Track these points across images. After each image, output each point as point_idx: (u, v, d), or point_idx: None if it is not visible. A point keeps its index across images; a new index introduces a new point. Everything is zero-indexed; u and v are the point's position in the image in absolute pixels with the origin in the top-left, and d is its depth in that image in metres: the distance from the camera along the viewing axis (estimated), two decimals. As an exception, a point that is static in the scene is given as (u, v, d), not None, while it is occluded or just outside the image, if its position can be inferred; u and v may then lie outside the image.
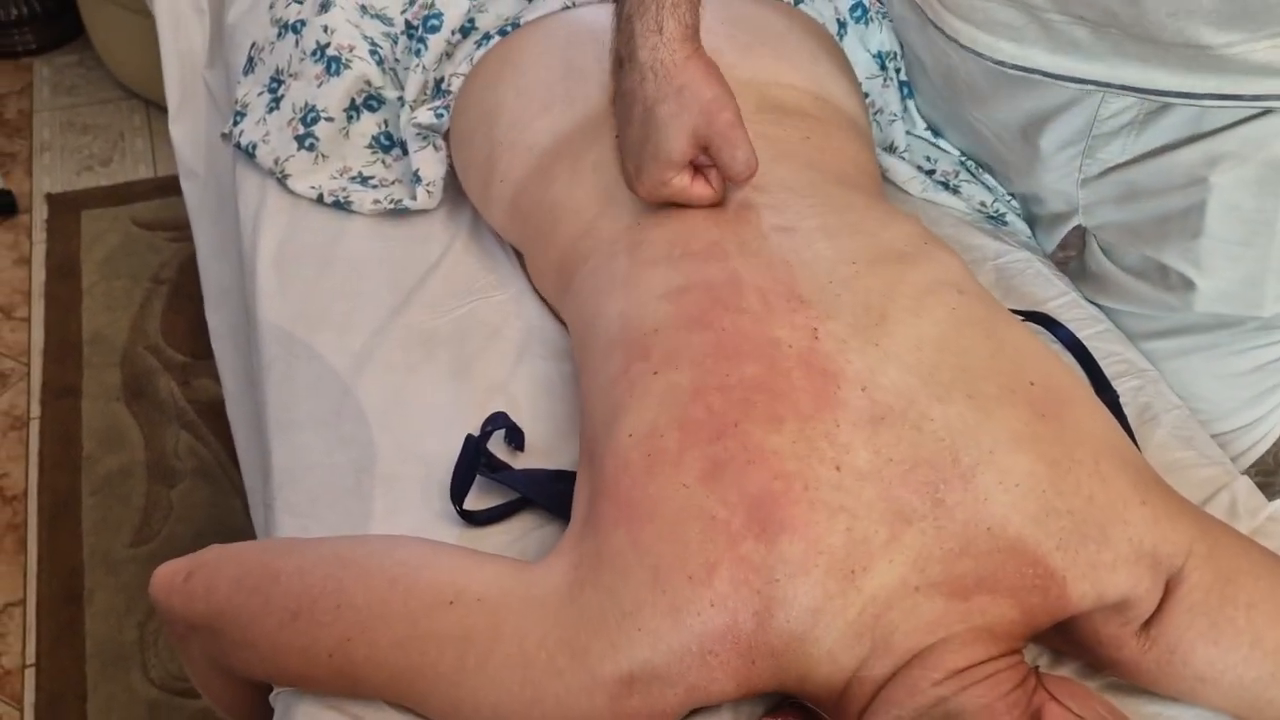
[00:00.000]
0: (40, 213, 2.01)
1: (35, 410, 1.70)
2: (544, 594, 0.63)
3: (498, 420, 0.80)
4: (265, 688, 0.72)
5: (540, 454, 0.80)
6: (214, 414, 1.68)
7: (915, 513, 0.61)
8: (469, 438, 0.77)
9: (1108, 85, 0.81)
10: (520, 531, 0.76)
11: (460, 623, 0.63)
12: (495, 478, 0.77)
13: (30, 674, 1.40)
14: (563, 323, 0.88)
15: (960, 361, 0.67)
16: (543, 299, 0.91)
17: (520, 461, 0.80)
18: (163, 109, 1.35)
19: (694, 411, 0.64)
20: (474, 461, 0.76)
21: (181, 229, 1.96)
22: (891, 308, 0.69)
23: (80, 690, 1.38)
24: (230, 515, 1.57)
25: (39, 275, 1.90)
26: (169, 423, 1.68)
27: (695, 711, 0.64)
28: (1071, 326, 0.90)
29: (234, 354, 1.18)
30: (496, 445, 0.80)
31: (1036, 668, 0.63)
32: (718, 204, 0.77)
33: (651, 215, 0.78)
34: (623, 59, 0.78)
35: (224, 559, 0.71)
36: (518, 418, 0.81)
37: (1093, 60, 0.80)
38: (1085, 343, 0.89)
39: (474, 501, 0.77)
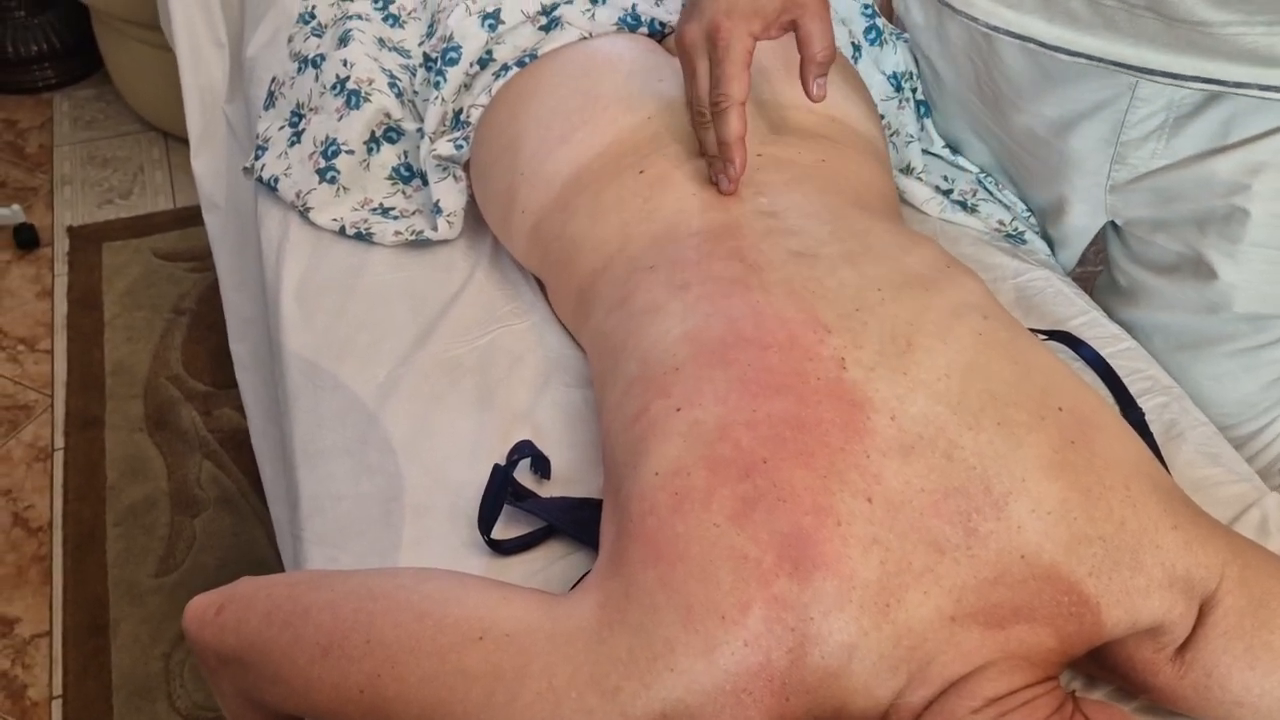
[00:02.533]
0: (62, 245, 2.03)
1: (59, 441, 1.71)
2: (572, 631, 0.63)
3: (524, 449, 0.80)
4: (297, 720, 0.73)
5: (566, 482, 0.80)
6: (236, 443, 1.69)
7: (949, 542, 0.61)
8: (496, 467, 0.77)
9: (1100, 60, 0.81)
10: (547, 560, 0.76)
11: (488, 659, 0.63)
12: (522, 506, 0.77)
13: (57, 705, 1.41)
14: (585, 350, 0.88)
15: (988, 388, 0.66)
16: (564, 327, 0.91)
17: (546, 489, 0.80)
18: (182, 141, 1.37)
19: (721, 449, 0.64)
20: (501, 491, 0.77)
21: (201, 259, 1.98)
22: (918, 335, 0.69)
23: (107, 721, 1.39)
24: (253, 544, 1.58)
25: (61, 307, 1.92)
26: (192, 452, 1.69)
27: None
28: (1094, 345, 0.90)
29: (258, 385, 1.19)
30: (522, 473, 0.81)
31: (1073, 692, 0.62)
32: (730, 191, 0.80)
33: (670, 252, 0.78)
34: None
35: (256, 593, 0.71)
36: (543, 446, 0.82)
37: (1086, 33, 0.81)
38: (1109, 361, 0.89)
39: (501, 530, 0.77)
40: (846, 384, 0.66)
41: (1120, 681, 0.67)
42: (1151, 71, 0.80)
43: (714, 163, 0.80)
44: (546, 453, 0.81)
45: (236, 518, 1.61)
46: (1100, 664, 0.66)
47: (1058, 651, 0.61)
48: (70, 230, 2.05)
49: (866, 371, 0.66)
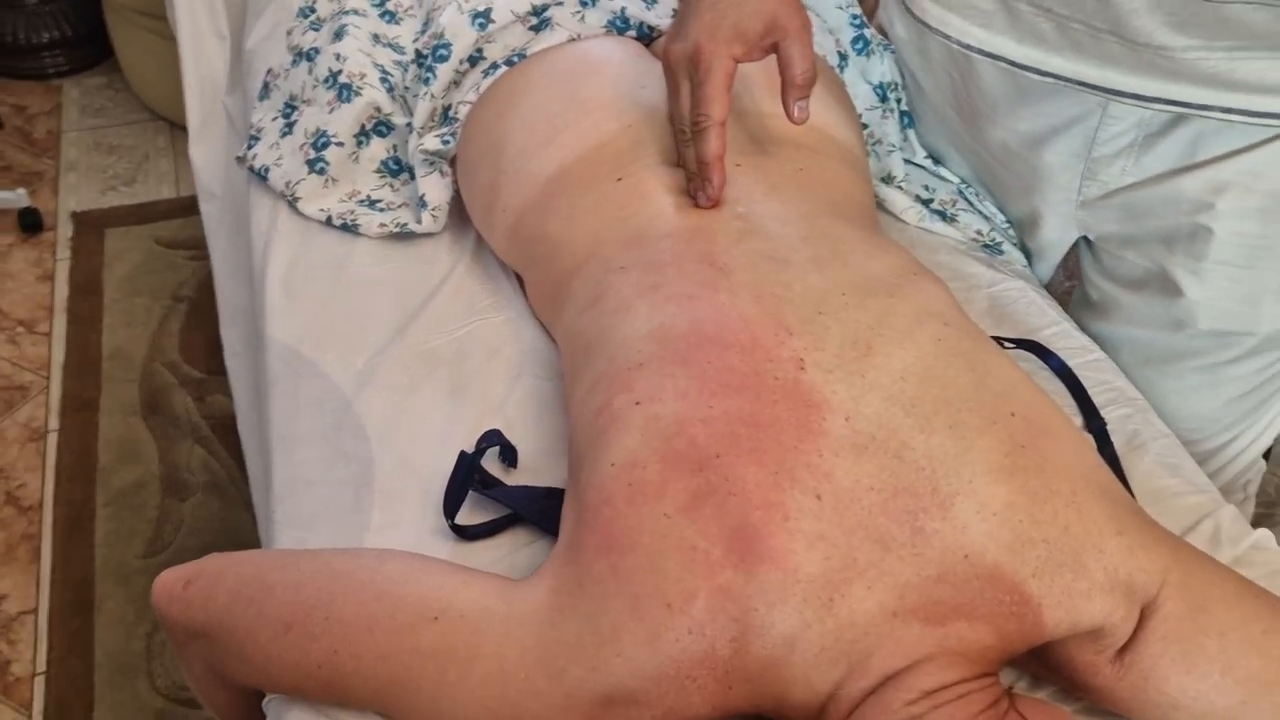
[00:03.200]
0: (65, 230, 2.05)
1: (54, 423, 1.73)
2: (524, 614, 0.65)
3: (492, 438, 0.82)
4: (260, 695, 0.74)
5: (533, 472, 0.82)
6: (227, 430, 1.71)
7: (894, 540, 0.63)
8: (462, 454, 0.79)
9: (1068, 80, 0.83)
10: (511, 547, 0.77)
11: (443, 638, 0.65)
12: (488, 494, 0.78)
13: (40, 681, 1.43)
14: (559, 345, 0.90)
15: (943, 393, 0.68)
16: (541, 322, 0.93)
17: (513, 479, 0.82)
18: (186, 131, 1.39)
19: (677, 444, 0.65)
20: (467, 477, 0.78)
21: (201, 248, 1.99)
22: (878, 339, 0.70)
23: (88, 699, 1.40)
24: (240, 529, 1.59)
25: (62, 291, 1.94)
26: (184, 438, 1.71)
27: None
28: (1063, 355, 0.91)
29: (246, 371, 1.21)
30: (491, 463, 0.82)
31: (1010, 689, 0.64)
32: (711, 204, 0.81)
33: (642, 255, 0.79)
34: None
35: (223, 569, 0.73)
36: (512, 436, 0.83)
37: (1054, 54, 0.83)
38: (1076, 371, 0.90)
39: (467, 517, 0.78)
40: (804, 385, 0.67)
41: (1062, 682, 0.69)
42: (1118, 93, 0.82)
43: (693, 179, 0.81)
44: (516, 443, 0.83)
45: (224, 503, 1.63)
46: (1042, 664, 0.67)
47: (996, 649, 0.63)
48: (74, 215, 2.08)
49: (825, 374, 0.68)
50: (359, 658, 0.66)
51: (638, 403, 0.68)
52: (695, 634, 0.61)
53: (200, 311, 1.89)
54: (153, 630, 1.47)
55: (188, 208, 2.10)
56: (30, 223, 2.04)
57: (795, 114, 0.82)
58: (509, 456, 0.82)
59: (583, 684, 0.62)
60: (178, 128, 2.24)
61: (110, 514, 1.61)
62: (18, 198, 2.03)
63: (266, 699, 0.73)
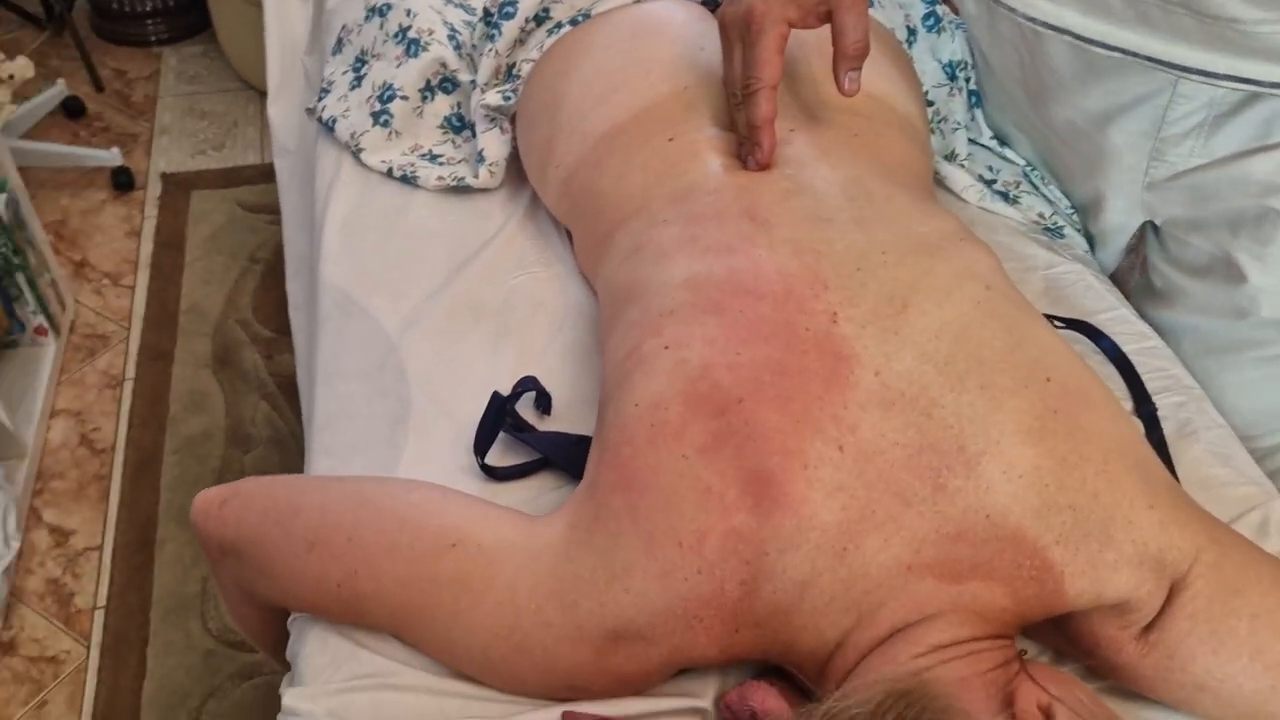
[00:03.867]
0: (154, 190, 2.13)
1: (131, 371, 1.80)
2: (540, 547, 0.65)
3: (528, 383, 0.82)
4: (285, 615, 0.76)
5: (566, 420, 0.82)
6: (292, 388, 1.75)
7: (915, 496, 0.62)
8: (495, 395, 0.80)
9: (1134, 55, 0.81)
10: (537, 491, 0.78)
11: (459, 566, 0.65)
12: (519, 436, 0.79)
13: (100, 615, 1.48)
14: (602, 300, 0.90)
15: (978, 353, 0.67)
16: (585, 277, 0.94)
17: (546, 426, 0.82)
18: (271, 95, 1.43)
19: (700, 386, 0.65)
20: (498, 418, 0.79)
21: (280, 213, 2.06)
22: (915, 297, 0.69)
23: (143, 634, 1.45)
24: (297, 483, 1.63)
25: (147, 247, 2.01)
26: (250, 392, 1.76)
27: (683, 672, 0.66)
28: (1118, 340, 0.88)
29: (306, 322, 1.24)
30: (526, 409, 0.83)
31: (1023, 651, 0.62)
32: (764, 166, 0.80)
33: (686, 209, 0.79)
34: None
35: (257, 490, 0.75)
36: (550, 385, 0.84)
37: (1122, 27, 0.80)
38: (1130, 357, 0.87)
39: (497, 458, 0.79)
40: (836, 338, 0.67)
41: (1085, 658, 0.66)
42: (1186, 69, 0.79)
43: (743, 143, 0.81)
44: (553, 392, 0.84)
45: (284, 457, 1.67)
46: (1065, 637, 0.66)
47: (1012, 611, 0.61)
48: (163, 176, 2.15)
49: (858, 328, 0.67)
50: (377, 580, 0.67)
51: (666, 347, 0.68)
52: (705, 574, 0.60)
53: (274, 273, 1.95)
54: (209, 574, 1.52)
55: (271, 174, 2.15)
56: (123, 181, 2.12)
57: (845, 85, 0.80)
58: (543, 404, 0.83)
59: (592, 617, 0.62)
60: (266, 97, 2.31)
61: (176, 460, 1.66)
62: (112, 156, 2.11)
63: (291, 618, 0.74)
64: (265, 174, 2.16)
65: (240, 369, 1.80)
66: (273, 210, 2.07)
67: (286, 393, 1.76)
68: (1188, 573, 0.62)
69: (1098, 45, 0.83)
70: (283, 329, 1.85)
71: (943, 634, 0.59)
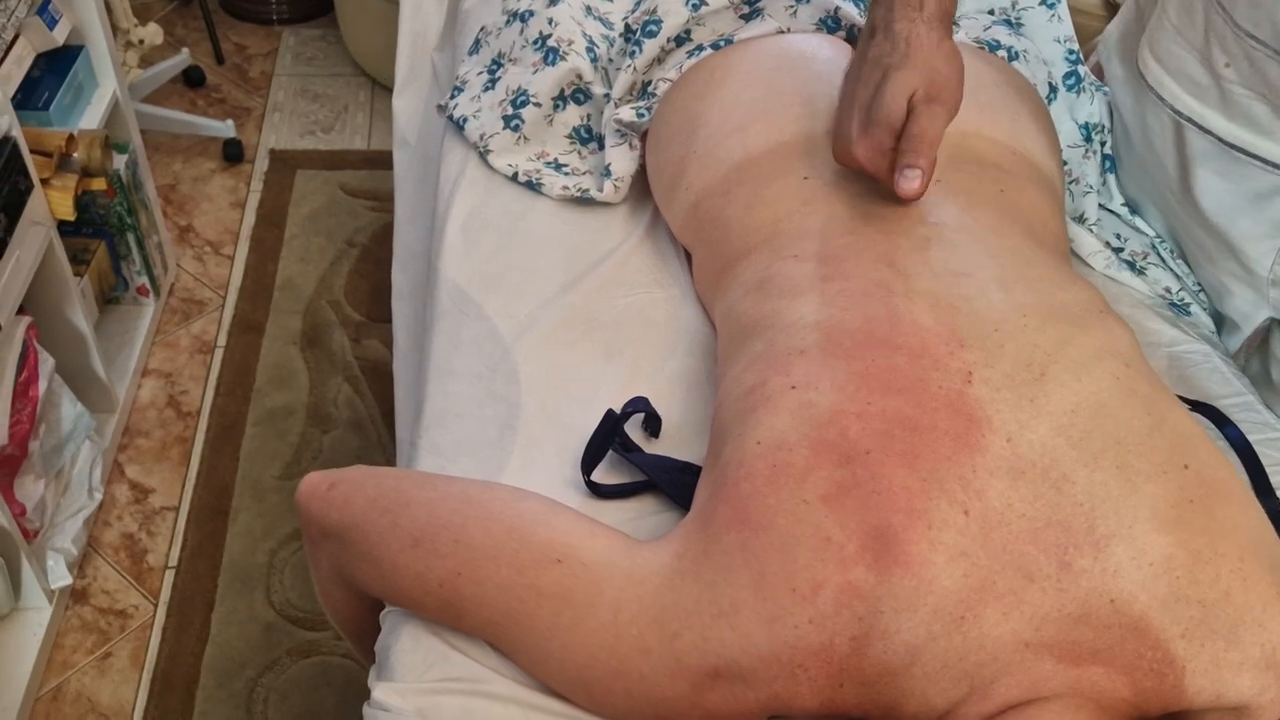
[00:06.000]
0: (261, 164, 2.18)
1: (222, 340, 1.83)
2: (646, 573, 0.65)
3: (639, 403, 0.82)
4: (378, 605, 0.76)
5: (673, 444, 0.82)
6: (376, 374, 1.78)
7: (1040, 571, 0.60)
8: (609, 413, 0.80)
9: (1273, 166, 0.79)
10: (638, 512, 0.77)
11: (562, 582, 0.65)
12: (627, 456, 0.79)
13: (170, 575, 1.51)
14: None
15: (1115, 432, 0.65)
16: (702, 303, 0.93)
17: (653, 448, 0.82)
18: (386, 89, 1.46)
19: (827, 433, 0.64)
20: (609, 436, 0.79)
21: (381, 200, 2.09)
22: (1053, 368, 0.68)
23: (209, 599, 1.48)
24: (373, 468, 1.65)
25: (249, 220, 2.05)
26: (335, 373, 1.79)
27: (774, 718, 0.65)
28: (1243, 429, 0.86)
29: (410, 314, 1.25)
30: (634, 428, 0.83)
31: (1136, 745, 0.60)
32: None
33: (818, 250, 0.78)
34: (876, 29, 0.80)
35: (366, 478, 0.75)
36: (659, 406, 0.83)
37: (1266, 138, 0.80)
38: (1255, 447, 0.85)
39: (601, 476, 0.79)
40: (969, 399, 0.65)
41: (1195, 757, 0.64)
42: None
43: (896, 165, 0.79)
44: (661, 413, 0.83)
45: (362, 441, 1.69)
46: (1177, 733, 0.63)
47: (1129, 703, 0.59)
48: (272, 152, 2.20)
49: (993, 391, 0.66)
50: (479, 584, 0.67)
51: (793, 387, 0.68)
52: (816, 624, 0.59)
53: (370, 259, 1.97)
54: (277, 547, 1.54)
55: (375, 160, 2.19)
56: (233, 153, 2.17)
57: (900, 183, 0.76)
58: (653, 426, 0.83)
59: (693, 651, 0.61)
60: (378, 85, 2.35)
61: (257, 432, 1.69)
62: (226, 128, 2.16)
63: (385, 610, 0.75)
64: (370, 160, 2.20)
65: (328, 349, 1.83)
66: (374, 196, 2.10)
67: (370, 378, 1.78)
68: (1316, 682, 0.59)
69: (1239, 151, 0.84)
70: (373, 314, 1.87)
71: (1058, 718, 0.58)
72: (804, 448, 0.64)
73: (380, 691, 0.68)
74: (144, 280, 1.78)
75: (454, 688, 0.68)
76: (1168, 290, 1.00)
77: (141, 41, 1.99)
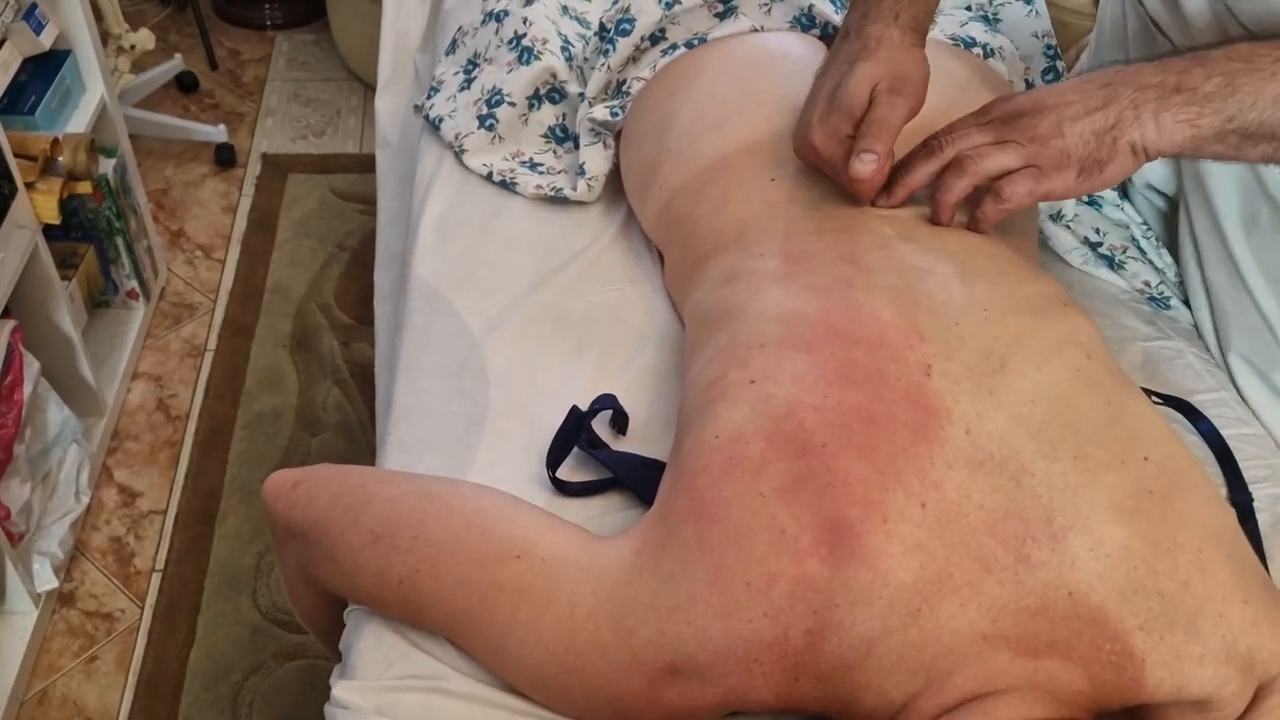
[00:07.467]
0: (254, 169, 2.18)
1: (212, 343, 1.84)
2: (604, 568, 0.64)
3: (605, 401, 0.82)
4: (343, 604, 0.76)
5: (640, 441, 0.82)
6: (365, 376, 1.78)
7: (997, 563, 0.60)
8: (574, 409, 0.80)
9: None
10: (603, 509, 0.77)
11: (521, 577, 0.65)
12: (592, 453, 0.79)
13: (157, 578, 1.51)
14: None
15: (1074, 423, 0.64)
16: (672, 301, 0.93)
17: (620, 445, 0.81)
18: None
19: (784, 425, 0.64)
20: (574, 433, 0.79)
21: (371, 203, 2.08)
22: (1014, 359, 0.67)
23: (196, 602, 1.47)
24: (360, 471, 1.65)
25: (241, 224, 2.06)
26: (324, 377, 1.79)
27: (734, 715, 0.64)
28: (1216, 423, 0.85)
29: (391, 315, 1.25)
30: (601, 426, 0.82)
31: (1093, 739, 0.60)
32: (867, 197, 0.78)
33: (783, 248, 0.78)
34: (849, 31, 0.80)
35: (330, 475, 0.75)
36: (627, 404, 0.83)
37: None
38: (1229, 442, 0.84)
39: (567, 473, 0.79)
40: (928, 390, 0.65)
41: (1158, 752, 0.64)
42: None
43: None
44: (629, 412, 0.83)
45: (351, 445, 1.69)
46: (1138, 727, 0.63)
47: (1087, 695, 0.59)
48: (264, 156, 2.20)
49: (951, 383, 0.65)
50: (438, 580, 0.67)
51: (752, 381, 0.67)
52: (770, 618, 0.59)
53: (360, 262, 1.98)
54: (265, 551, 1.54)
55: (366, 164, 2.19)
56: (225, 158, 2.17)
57: (854, 165, 0.75)
58: (620, 423, 0.82)
59: (649, 646, 0.61)
60: (371, 90, 2.35)
61: (246, 435, 1.69)
62: (218, 133, 2.17)
63: (348, 609, 0.74)
64: (361, 164, 2.20)
65: (317, 353, 1.83)
66: (364, 200, 2.10)
67: (359, 381, 1.78)
68: (1277, 676, 0.59)
69: None
70: (362, 318, 1.87)
71: (1014, 710, 0.57)
72: (760, 440, 0.64)
73: (340, 689, 0.67)
74: (134, 284, 1.79)
75: (414, 685, 0.67)
76: (1146, 284, 0.99)
77: (133, 47, 1.99)
